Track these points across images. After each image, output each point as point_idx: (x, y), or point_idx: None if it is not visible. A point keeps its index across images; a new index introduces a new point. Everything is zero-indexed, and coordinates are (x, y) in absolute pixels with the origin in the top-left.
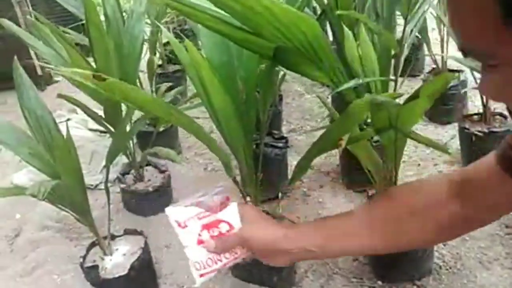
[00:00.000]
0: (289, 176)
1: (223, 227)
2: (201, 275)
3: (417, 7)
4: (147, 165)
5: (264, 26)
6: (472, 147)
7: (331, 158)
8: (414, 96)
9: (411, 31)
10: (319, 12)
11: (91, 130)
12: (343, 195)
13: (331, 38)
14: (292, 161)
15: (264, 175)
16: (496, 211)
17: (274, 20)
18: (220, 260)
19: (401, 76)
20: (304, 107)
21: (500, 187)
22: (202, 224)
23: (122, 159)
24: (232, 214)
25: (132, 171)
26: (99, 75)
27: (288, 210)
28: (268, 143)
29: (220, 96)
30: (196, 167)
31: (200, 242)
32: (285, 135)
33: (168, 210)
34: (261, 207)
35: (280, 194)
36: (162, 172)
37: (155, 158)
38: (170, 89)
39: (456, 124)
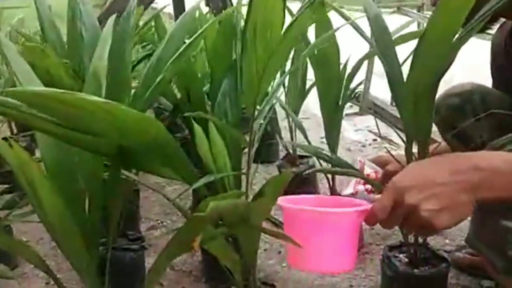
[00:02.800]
0: None
1: None
2: None
3: (263, 104)
4: None
5: (104, 128)
6: None
7: (194, 256)
8: (260, 194)
9: (260, 125)
10: None
11: None
12: None
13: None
14: (151, 263)
15: (116, 285)
16: None
17: (116, 122)
18: None
19: (256, 162)
20: (164, 200)
21: None
22: None
23: None
24: None
25: None
26: None
27: None
28: (120, 246)
29: (53, 198)
30: (35, 283)
31: None
32: (143, 233)
33: None
34: None
35: None
36: None
37: None
38: (6, 191)
39: None
